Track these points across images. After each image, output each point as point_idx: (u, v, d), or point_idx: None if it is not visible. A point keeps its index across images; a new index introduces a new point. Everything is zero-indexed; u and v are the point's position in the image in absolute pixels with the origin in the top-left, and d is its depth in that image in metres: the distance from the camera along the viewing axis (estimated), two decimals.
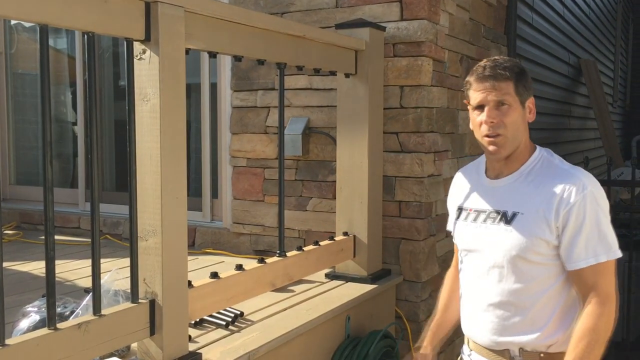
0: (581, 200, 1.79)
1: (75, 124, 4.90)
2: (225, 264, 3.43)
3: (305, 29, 2.75)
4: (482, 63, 1.90)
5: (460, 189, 2.08)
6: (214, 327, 2.42)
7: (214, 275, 2.29)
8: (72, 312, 2.18)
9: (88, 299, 2.11)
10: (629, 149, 11.40)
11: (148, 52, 1.93)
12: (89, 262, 1.91)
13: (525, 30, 5.29)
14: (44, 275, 1.73)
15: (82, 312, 2.12)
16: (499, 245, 1.88)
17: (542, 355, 1.86)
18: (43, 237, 1.72)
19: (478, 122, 1.88)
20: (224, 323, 2.42)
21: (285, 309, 2.67)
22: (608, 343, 1.80)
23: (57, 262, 1.76)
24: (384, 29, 3.25)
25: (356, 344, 2.76)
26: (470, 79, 1.90)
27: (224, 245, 3.89)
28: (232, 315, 2.46)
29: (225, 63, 3.84)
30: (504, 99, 1.84)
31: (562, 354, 1.82)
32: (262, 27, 2.42)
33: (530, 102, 1.91)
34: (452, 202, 2.12)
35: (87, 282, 2.76)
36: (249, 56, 2.42)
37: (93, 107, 1.87)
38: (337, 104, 3.19)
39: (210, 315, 2.43)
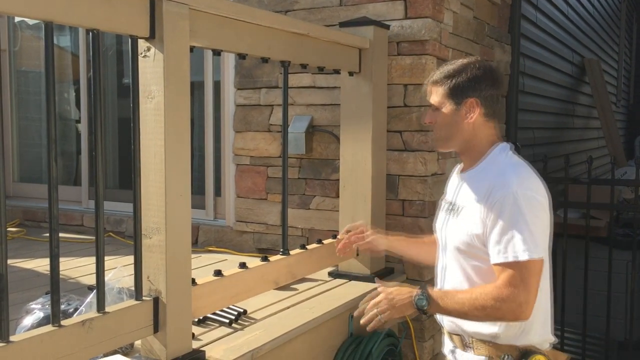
0: (501, 198, 1.82)
1: (78, 121, 4.90)
2: (229, 262, 3.44)
3: (309, 27, 2.74)
4: None
5: (449, 182, 2.20)
6: (217, 325, 2.42)
7: (218, 273, 2.29)
8: (75, 310, 2.18)
9: (92, 296, 2.12)
10: (632, 149, 11.39)
11: (152, 49, 1.93)
12: (92, 259, 1.91)
13: (530, 29, 5.28)
14: (47, 272, 1.73)
15: (86, 309, 2.13)
16: (448, 235, 2.01)
17: (490, 344, 1.92)
18: (46, 235, 1.72)
19: None
20: (227, 321, 2.42)
21: (288, 307, 2.67)
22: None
23: (60, 259, 1.76)
24: (387, 27, 3.24)
25: (359, 343, 2.76)
26: None
27: (227, 243, 3.89)
28: (236, 313, 2.46)
29: (229, 61, 3.83)
30: (433, 102, 1.99)
31: (510, 346, 1.88)
32: (266, 25, 2.42)
33: (471, 102, 1.92)
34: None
35: (91, 280, 2.77)
36: (252, 54, 2.42)
37: (97, 104, 1.87)
38: (341, 103, 3.19)
39: (214, 313, 2.43)
